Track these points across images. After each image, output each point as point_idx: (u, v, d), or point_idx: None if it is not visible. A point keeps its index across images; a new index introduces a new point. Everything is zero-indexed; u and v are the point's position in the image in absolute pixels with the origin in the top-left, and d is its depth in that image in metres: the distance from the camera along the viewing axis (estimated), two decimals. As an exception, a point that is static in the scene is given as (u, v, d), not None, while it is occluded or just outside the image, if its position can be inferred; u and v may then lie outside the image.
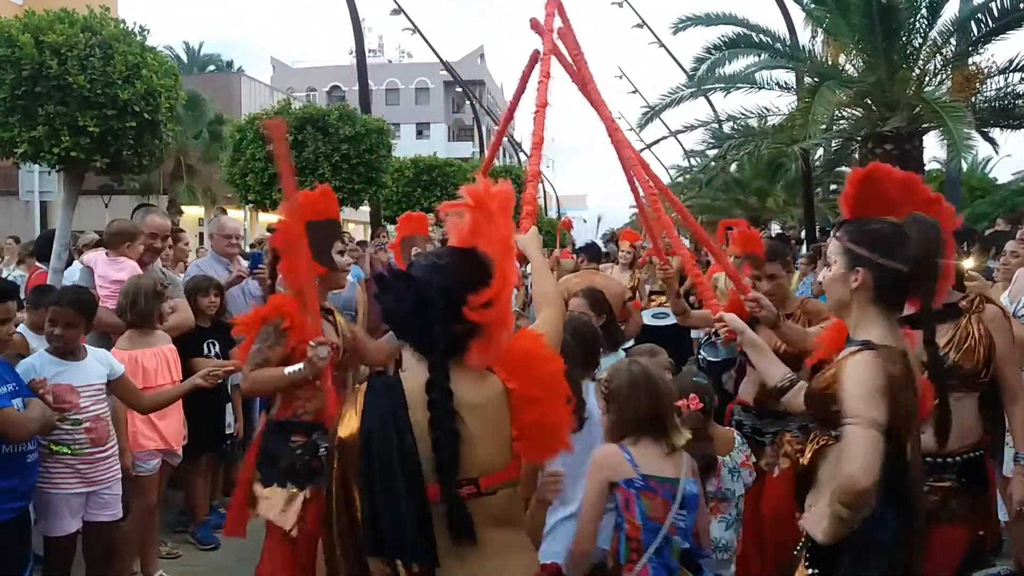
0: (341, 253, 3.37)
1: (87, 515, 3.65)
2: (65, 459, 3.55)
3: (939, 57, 11.14)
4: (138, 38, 5.74)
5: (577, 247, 9.49)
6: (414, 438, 1.77)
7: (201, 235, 21.86)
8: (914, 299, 2.28)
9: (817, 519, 2.16)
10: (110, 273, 4.55)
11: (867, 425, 1.99)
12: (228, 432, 5.09)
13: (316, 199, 3.27)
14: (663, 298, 8.90)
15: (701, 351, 6.74)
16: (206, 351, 4.80)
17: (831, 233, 2.46)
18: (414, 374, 1.86)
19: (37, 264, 6.67)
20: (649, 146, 27.06)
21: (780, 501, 3.67)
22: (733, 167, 17.17)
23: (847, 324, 2.29)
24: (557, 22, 3.49)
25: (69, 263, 5.49)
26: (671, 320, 8.27)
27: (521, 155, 40.98)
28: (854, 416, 2.02)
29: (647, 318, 8.34)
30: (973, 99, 10.82)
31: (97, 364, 3.70)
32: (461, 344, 1.85)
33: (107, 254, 4.67)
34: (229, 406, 5.08)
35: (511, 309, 1.92)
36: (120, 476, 3.79)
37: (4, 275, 7.51)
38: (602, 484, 2.48)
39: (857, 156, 11.38)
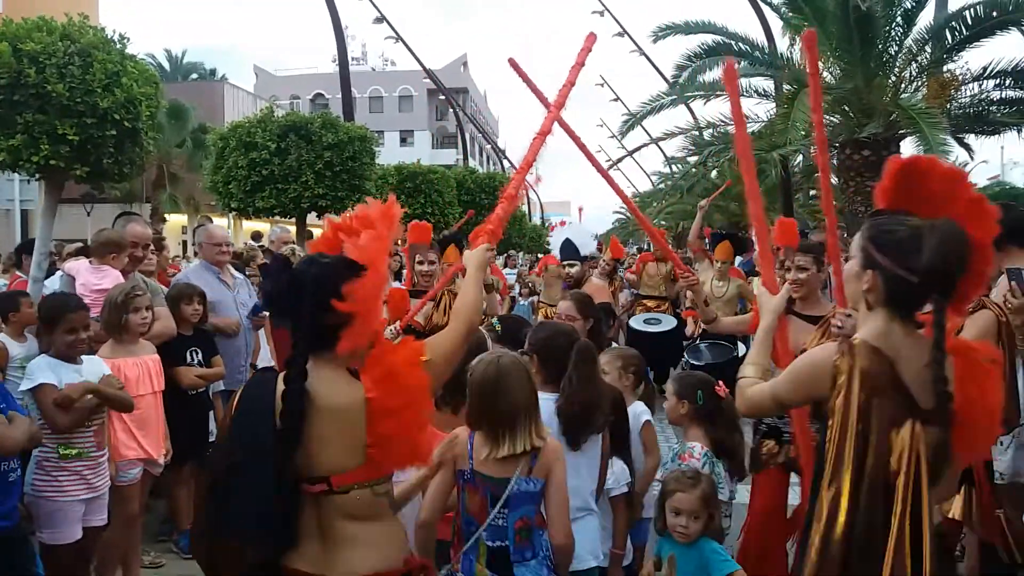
0: None
1: (83, 521, 3.65)
2: (72, 465, 3.58)
3: (915, 65, 11.29)
4: (118, 46, 5.71)
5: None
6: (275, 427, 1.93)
7: (184, 243, 21.73)
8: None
9: None
10: (92, 281, 4.53)
11: (770, 388, 2.28)
12: (211, 440, 5.07)
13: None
14: (650, 303, 8.96)
15: (685, 355, 6.79)
16: (189, 359, 4.78)
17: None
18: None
19: (18, 273, 6.62)
20: (631, 153, 27.31)
21: (766, 499, 3.84)
22: (714, 173, 17.26)
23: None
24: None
25: (51, 272, 5.46)
26: (662, 327, 8.33)
27: (505, 163, 41.05)
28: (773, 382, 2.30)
29: (638, 324, 8.35)
30: (948, 106, 10.96)
31: (96, 368, 3.75)
32: (331, 335, 1.97)
33: (91, 263, 4.66)
34: (211, 413, 5.06)
35: (380, 305, 2.04)
36: (110, 482, 3.82)
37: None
38: (451, 466, 2.57)
39: (836, 162, 11.50)
